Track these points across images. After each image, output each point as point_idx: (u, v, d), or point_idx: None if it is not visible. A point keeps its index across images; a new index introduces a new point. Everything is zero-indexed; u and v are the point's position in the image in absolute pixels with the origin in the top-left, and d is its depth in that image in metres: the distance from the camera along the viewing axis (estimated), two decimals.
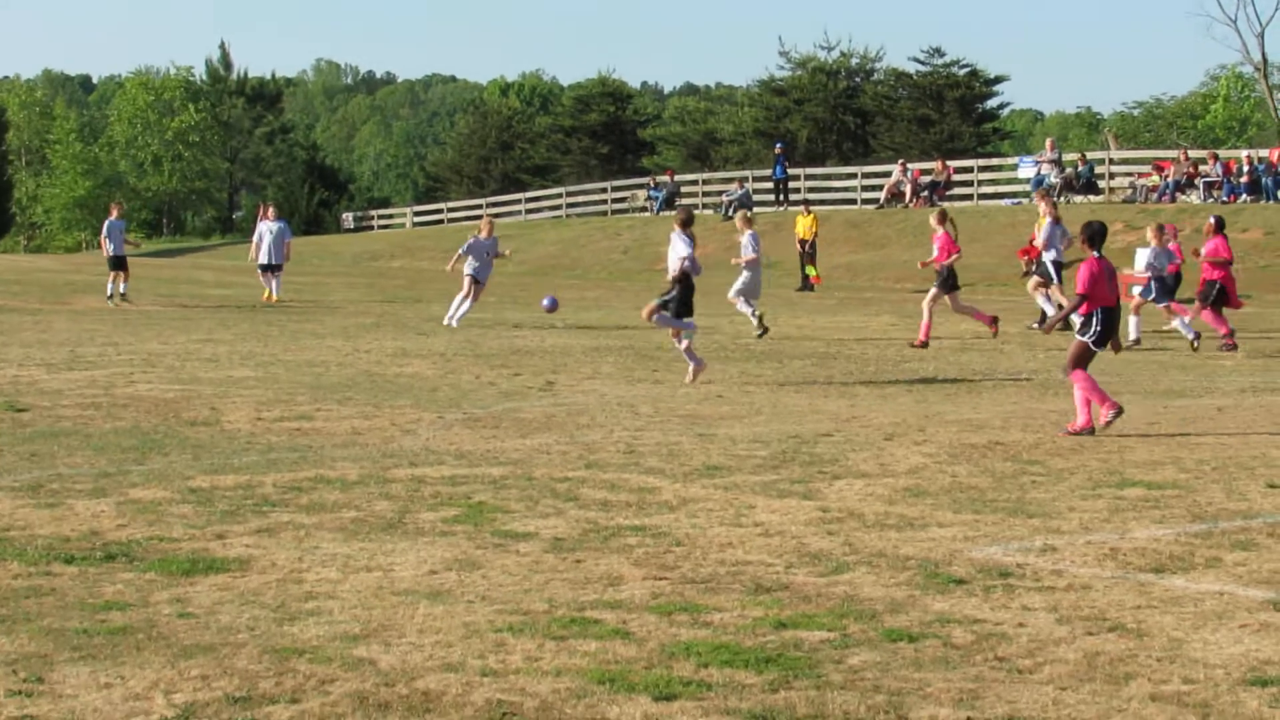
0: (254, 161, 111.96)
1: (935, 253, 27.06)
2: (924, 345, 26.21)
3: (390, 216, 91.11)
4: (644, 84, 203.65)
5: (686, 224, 21.64)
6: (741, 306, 29.30)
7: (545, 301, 28.82)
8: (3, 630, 8.08)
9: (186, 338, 27.09)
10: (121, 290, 37.63)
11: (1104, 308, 16.12)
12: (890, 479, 13.23)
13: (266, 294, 38.27)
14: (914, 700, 7.17)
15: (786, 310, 36.55)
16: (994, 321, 27.44)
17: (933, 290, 27.10)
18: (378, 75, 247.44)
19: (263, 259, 38.77)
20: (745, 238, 29.22)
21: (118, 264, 38.02)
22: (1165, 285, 28.14)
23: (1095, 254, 16.19)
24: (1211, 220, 28.55)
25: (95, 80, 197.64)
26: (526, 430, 16.01)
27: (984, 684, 7.43)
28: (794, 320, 33.43)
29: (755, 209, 59.79)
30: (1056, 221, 29.99)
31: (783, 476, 13.30)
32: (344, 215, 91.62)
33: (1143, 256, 41.68)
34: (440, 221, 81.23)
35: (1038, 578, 9.64)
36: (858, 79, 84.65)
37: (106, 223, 39.62)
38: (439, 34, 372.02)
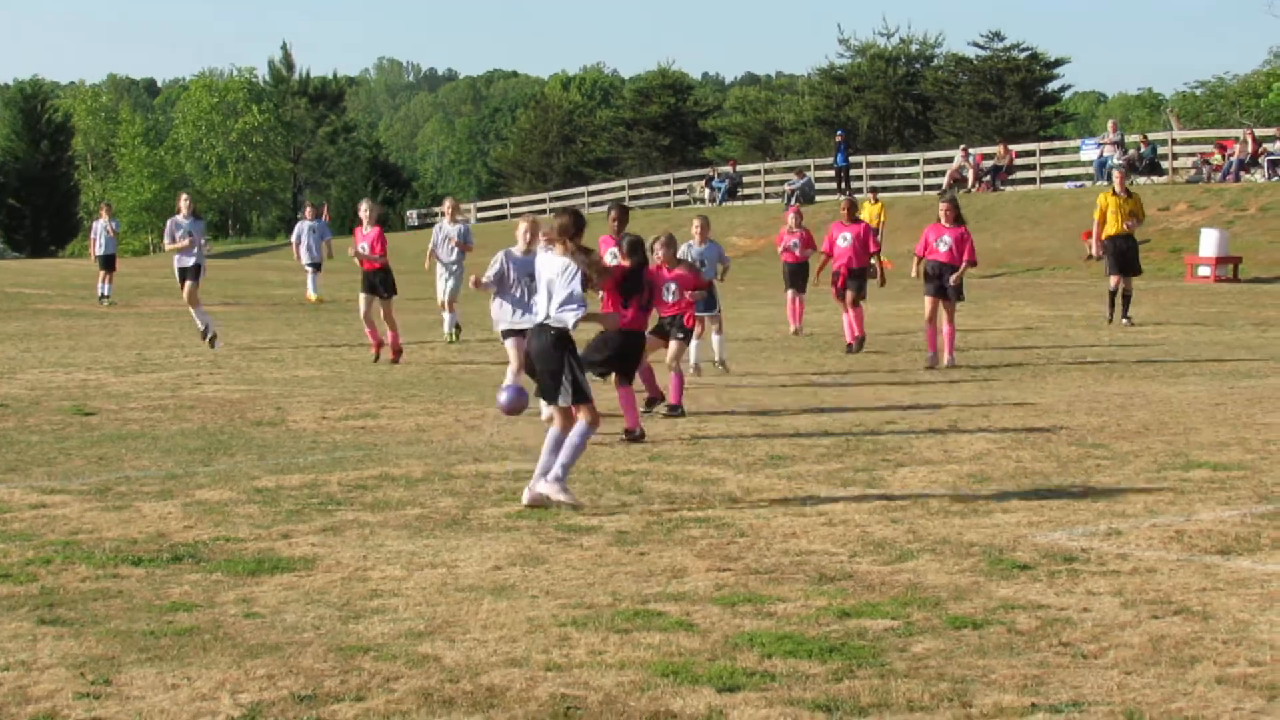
0: (317, 161, 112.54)
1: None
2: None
3: None
4: (704, 75, 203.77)
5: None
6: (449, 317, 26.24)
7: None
8: (71, 633, 8.16)
9: (252, 338, 27.25)
10: (105, 291, 38.07)
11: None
12: (954, 465, 13.19)
13: (315, 296, 38.24)
14: (978, 687, 7.14)
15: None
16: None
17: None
18: (439, 72, 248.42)
19: (305, 259, 39.07)
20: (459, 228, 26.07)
21: (107, 264, 38.60)
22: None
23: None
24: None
25: (160, 84, 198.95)
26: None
27: (1049, 669, 7.40)
28: None
29: (818, 197, 59.68)
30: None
31: (846, 465, 13.28)
32: (409, 213, 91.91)
33: (1210, 237, 41.46)
34: (504, 217, 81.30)
35: (1103, 562, 9.59)
36: (918, 65, 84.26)
37: (96, 223, 40.22)
38: (500, 30, 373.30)
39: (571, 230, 11.85)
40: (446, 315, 26.24)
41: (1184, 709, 6.84)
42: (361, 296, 22.90)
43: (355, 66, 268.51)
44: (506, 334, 16.67)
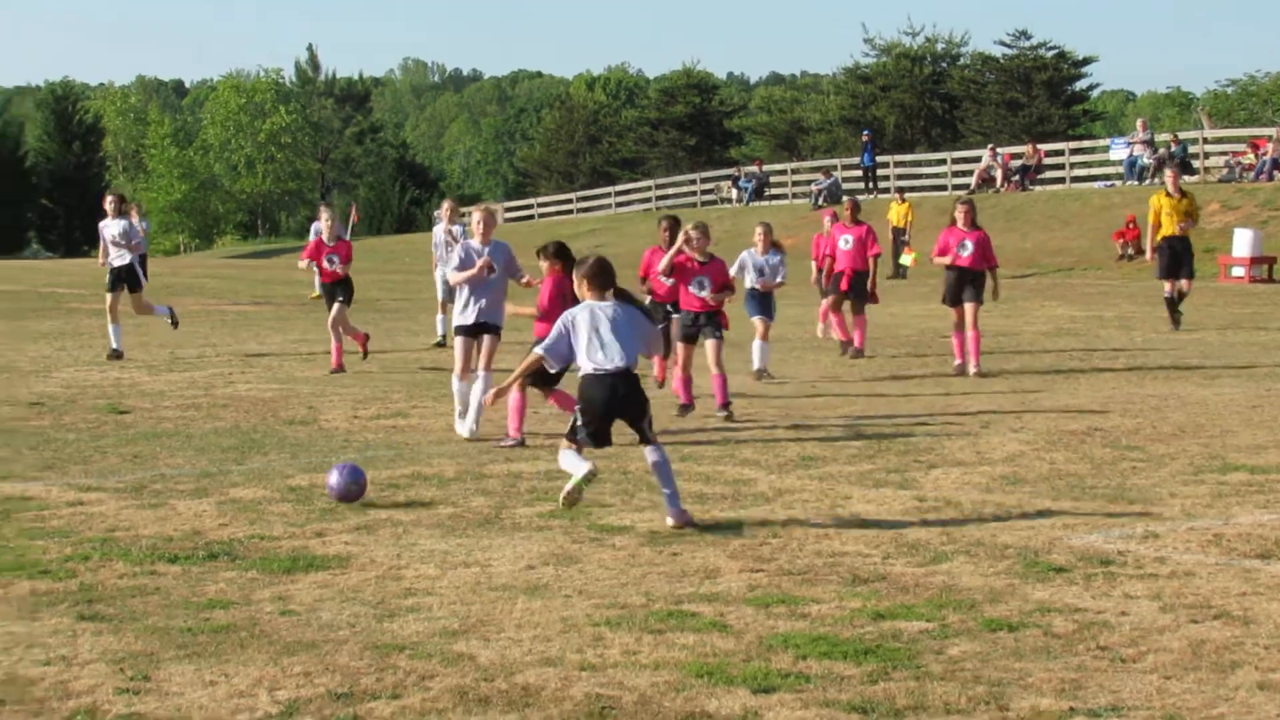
0: (345, 161, 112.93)
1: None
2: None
3: None
4: (730, 74, 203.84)
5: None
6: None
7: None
8: (110, 629, 8.19)
9: (283, 337, 27.32)
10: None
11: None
12: (987, 467, 13.15)
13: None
14: (1015, 691, 7.12)
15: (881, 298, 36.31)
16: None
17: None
18: (465, 73, 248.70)
19: None
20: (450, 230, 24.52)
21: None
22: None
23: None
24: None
25: (188, 85, 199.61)
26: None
27: (1086, 673, 7.37)
28: (887, 309, 33.25)
29: (844, 197, 59.60)
30: None
31: (878, 466, 13.25)
32: (435, 213, 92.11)
33: (1243, 237, 41.31)
34: (530, 217, 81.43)
35: (1140, 565, 9.55)
36: (944, 64, 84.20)
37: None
38: (525, 30, 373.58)
39: (605, 283, 11.18)
40: (441, 317, 25.84)
41: (1225, 714, 6.80)
42: (334, 306, 21.88)
43: (381, 67, 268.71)
44: (459, 330, 15.83)
